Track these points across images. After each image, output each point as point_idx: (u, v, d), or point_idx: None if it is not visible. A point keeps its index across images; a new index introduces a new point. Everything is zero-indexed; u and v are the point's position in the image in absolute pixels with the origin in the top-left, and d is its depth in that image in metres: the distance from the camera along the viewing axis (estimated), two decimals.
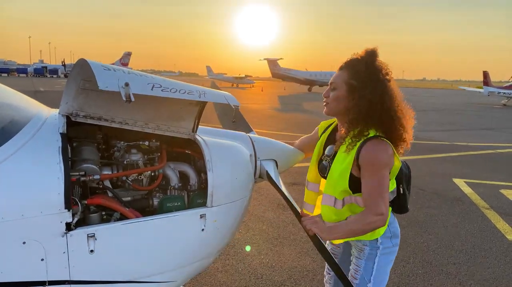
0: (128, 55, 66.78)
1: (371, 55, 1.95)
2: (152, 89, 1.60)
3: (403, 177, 2.10)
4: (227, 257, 4.22)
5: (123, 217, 1.78)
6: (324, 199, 2.04)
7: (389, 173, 1.91)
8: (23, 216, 1.48)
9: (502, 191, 7.04)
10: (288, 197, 2.01)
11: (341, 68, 2.00)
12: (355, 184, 1.92)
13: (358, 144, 1.89)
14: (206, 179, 2.06)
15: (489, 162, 9.75)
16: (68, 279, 1.60)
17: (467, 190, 7.03)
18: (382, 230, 2.01)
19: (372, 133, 1.91)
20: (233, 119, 1.92)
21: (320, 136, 2.26)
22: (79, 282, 1.63)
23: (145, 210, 1.90)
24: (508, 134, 15.25)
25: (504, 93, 34.77)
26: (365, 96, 1.88)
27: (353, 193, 1.94)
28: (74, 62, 1.73)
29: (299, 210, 2.02)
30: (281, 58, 58.68)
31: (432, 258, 4.32)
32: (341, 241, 2.17)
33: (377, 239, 2.02)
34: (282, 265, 4.11)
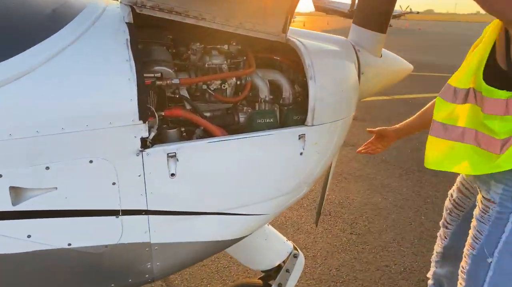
0: None
1: None
2: None
3: None
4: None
5: (205, 135, 1.42)
6: None
7: None
8: (87, 127, 1.12)
9: None
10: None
11: None
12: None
13: None
14: (300, 92, 1.64)
15: None
16: (145, 208, 1.27)
17: None
18: None
19: None
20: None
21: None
22: (158, 212, 1.30)
23: (229, 127, 1.52)
24: None
25: None
26: None
27: None
28: None
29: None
30: None
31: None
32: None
33: None
34: (351, 203, 3.77)
